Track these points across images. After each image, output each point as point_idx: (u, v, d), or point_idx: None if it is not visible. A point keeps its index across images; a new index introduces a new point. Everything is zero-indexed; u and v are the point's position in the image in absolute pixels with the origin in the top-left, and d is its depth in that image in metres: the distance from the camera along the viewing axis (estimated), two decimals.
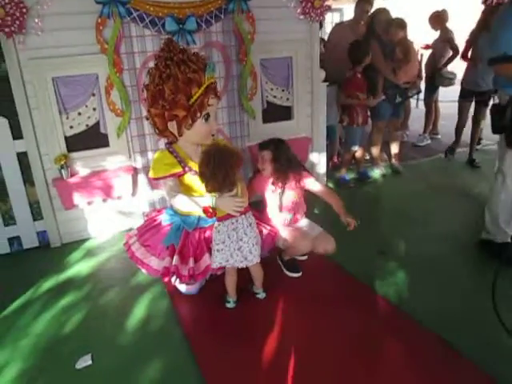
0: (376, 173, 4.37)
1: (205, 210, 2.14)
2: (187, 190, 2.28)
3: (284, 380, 1.83)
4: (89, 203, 3.16)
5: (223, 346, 2.09)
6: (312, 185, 2.53)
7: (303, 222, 2.67)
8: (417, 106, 7.02)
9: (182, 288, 2.44)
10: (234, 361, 1.97)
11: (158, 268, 2.23)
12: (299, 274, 2.57)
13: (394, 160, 4.56)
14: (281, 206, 2.52)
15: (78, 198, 3.06)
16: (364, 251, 2.87)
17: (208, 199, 2.14)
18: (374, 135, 4.35)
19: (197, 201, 2.20)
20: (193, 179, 2.26)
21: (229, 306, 2.33)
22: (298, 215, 2.63)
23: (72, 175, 3.05)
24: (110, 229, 3.34)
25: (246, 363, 1.94)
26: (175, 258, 2.20)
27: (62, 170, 2.97)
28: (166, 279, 2.24)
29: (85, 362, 2.02)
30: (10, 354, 2.11)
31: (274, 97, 3.71)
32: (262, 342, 2.06)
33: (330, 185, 4.15)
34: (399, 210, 3.59)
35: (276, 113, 3.74)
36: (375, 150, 4.42)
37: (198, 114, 2.16)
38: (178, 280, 2.21)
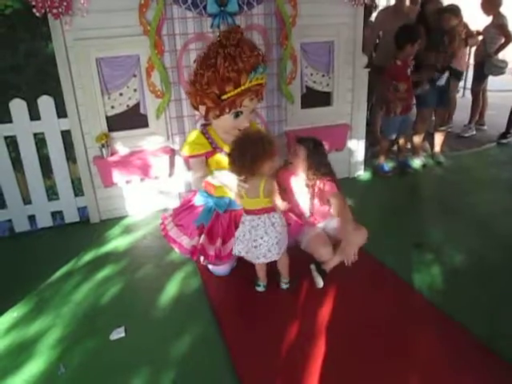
0: (416, 163, 4.24)
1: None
2: (218, 168, 2.30)
3: (306, 360, 1.85)
4: (127, 182, 3.25)
5: (250, 325, 2.13)
6: (332, 198, 2.37)
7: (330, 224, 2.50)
8: (463, 95, 6.74)
9: (214, 268, 2.49)
10: (259, 340, 2.01)
11: (187, 247, 2.29)
12: (320, 286, 2.37)
13: (436, 150, 4.42)
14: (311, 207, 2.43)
15: (117, 177, 3.16)
16: (399, 243, 2.81)
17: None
18: (417, 123, 4.22)
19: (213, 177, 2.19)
20: (223, 158, 2.26)
21: (259, 289, 2.35)
22: (316, 218, 2.50)
23: (112, 154, 3.15)
24: (147, 208, 3.42)
25: (271, 342, 1.98)
26: (202, 237, 2.24)
27: (103, 149, 3.07)
28: (195, 258, 2.28)
29: (118, 334, 2.10)
30: (52, 320, 2.23)
31: (314, 82, 3.65)
32: (287, 324, 2.08)
33: (368, 173, 4.08)
34: (439, 202, 3.48)
35: (315, 98, 3.68)
36: (417, 139, 4.28)
37: (227, 110, 2.15)
38: (204, 259, 2.26)
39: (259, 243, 2.13)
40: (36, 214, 3.18)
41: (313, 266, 2.41)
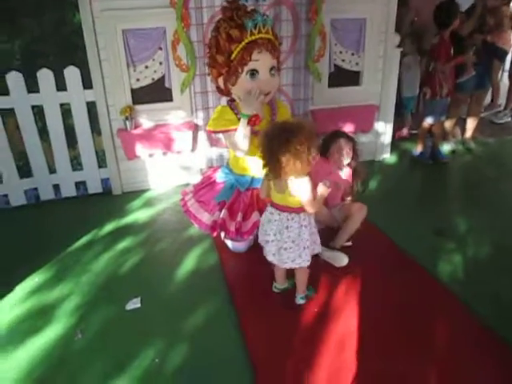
0: (445, 148, 4.11)
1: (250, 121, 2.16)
2: None
3: (319, 341, 1.84)
4: (150, 155, 3.27)
5: (265, 303, 2.12)
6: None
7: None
8: (500, 79, 6.43)
9: (231, 245, 2.49)
10: (273, 318, 2.01)
11: (208, 223, 2.29)
12: (345, 262, 2.36)
13: (467, 136, 4.25)
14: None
15: (140, 150, 3.18)
16: (421, 230, 2.72)
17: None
18: (450, 108, 4.04)
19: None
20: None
21: (275, 290, 2.19)
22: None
23: (136, 127, 3.16)
24: (168, 182, 3.44)
25: (284, 322, 1.98)
26: (223, 211, 2.24)
27: (127, 122, 3.08)
28: (215, 234, 2.28)
29: (134, 304, 2.14)
30: (72, 288, 2.29)
31: (343, 60, 3.54)
32: (303, 305, 2.07)
33: (394, 157, 3.97)
34: (465, 189, 3.38)
35: (343, 77, 3.58)
36: (449, 124, 4.11)
37: (239, 70, 2.12)
38: (225, 235, 2.25)
39: (289, 246, 1.90)
40: (60, 184, 3.24)
41: None
